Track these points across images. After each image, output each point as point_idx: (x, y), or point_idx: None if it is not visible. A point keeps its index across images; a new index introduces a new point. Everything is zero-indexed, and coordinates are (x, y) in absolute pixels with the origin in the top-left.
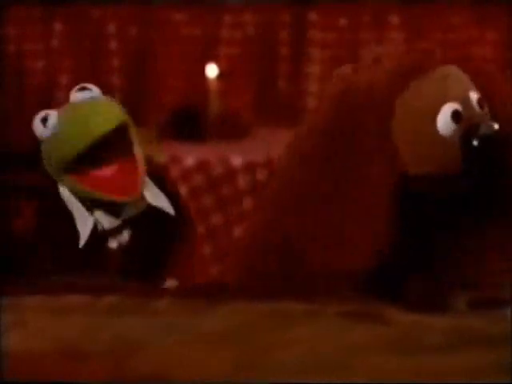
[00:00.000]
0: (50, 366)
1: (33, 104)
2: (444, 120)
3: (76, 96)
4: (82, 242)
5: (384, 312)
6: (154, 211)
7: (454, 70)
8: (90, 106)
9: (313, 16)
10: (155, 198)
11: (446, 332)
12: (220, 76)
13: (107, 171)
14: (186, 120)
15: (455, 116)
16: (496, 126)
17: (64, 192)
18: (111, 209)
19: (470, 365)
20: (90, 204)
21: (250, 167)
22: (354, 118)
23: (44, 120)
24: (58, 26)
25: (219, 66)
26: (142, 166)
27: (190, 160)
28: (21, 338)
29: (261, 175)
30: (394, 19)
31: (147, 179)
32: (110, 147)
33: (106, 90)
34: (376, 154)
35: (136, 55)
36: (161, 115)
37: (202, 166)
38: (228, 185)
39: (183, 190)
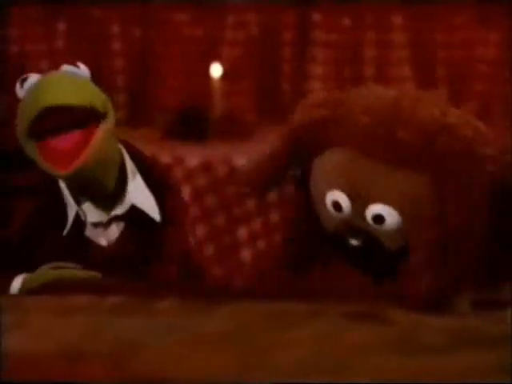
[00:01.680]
0: (52, 367)
1: None
2: (329, 203)
3: (62, 68)
4: (65, 231)
5: (385, 312)
6: (138, 214)
7: (393, 177)
8: (56, 78)
9: (316, 16)
10: (142, 199)
11: (446, 332)
12: (223, 76)
13: (62, 142)
14: (190, 120)
15: (335, 205)
16: (355, 242)
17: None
18: (98, 202)
19: (471, 365)
20: (77, 194)
21: None
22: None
23: (23, 81)
24: (60, 27)
25: (222, 66)
26: (96, 143)
27: (193, 160)
28: (23, 338)
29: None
30: (397, 20)
31: (138, 180)
32: (74, 119)
33: (110, 90)
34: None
35: (139, 56)
36: (164, 115)
37: (205, 167)
38: (231, 185)
39: (186, 190)
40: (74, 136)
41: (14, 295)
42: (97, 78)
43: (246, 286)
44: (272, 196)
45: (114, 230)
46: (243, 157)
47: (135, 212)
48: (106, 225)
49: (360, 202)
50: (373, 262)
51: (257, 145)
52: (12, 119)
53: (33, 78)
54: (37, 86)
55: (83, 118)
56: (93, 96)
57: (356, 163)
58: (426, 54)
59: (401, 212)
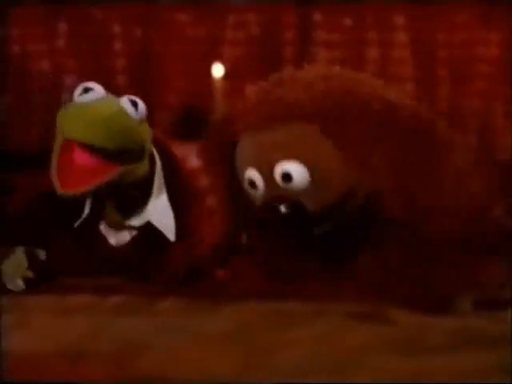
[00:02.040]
0: (53, 367)
1: (38, 104)
2: (246, 185)
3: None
4: (78, 222)
5: (387, 313)
6: (152, 231)
7: (287, 133)
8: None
9: (317, 16)
10: (161, 218)
11: (449, 333)
12: (225, 76)
13: (83, 159)
14: (191, 120)
15: (251, 184)
16: (283, 209)
17: None
18: (122, 206)
19: (472, 365)
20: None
21: None
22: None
23: (87, 90)
24: (62, 27)
25: (223, 66)
26: (111, 177)
27: (195, 160)
28: (24, 338)
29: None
30: (399, 19)
31: (163, 197)
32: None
33: (111, 90)
34: None
35: (140, 55)
36: (165, 115)
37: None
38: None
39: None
40: (95, 160)
41: (16, 295)
42: (98, 77)
43: (247, 286)
44: None
45: (126, 235)
46: None
47: (150, 228)
48: (119, 228)
49: (266, 170)
50: (303, 229)
51: None
52: (13, 119)
53: (98, 91)
54: (87, 111)
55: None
56: (127, 141)
57: (254, 138)
58: (427, 53)
59: (303, 162)
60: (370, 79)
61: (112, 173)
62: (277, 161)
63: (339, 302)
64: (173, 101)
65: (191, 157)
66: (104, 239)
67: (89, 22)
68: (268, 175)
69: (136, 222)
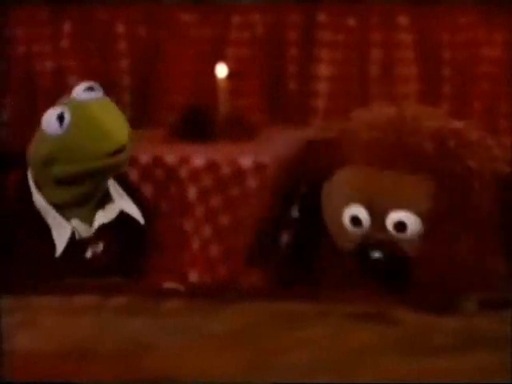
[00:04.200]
0: (58, 367)
1: (42, 105)
2: (346, 219)
3: (84, 95)
4: (59, 251)
5: (393, 313)
6: (125, 220)
7: (409, 182)
8: (109, 118)
9: (322, 16)
10: (127, 205)
11: (454, 333)
12: (229, 76)
13: None
14: (195, 120)
15: (354, 220)
16: (376, 255)
17: (40, 202)
18: (86, 216)
19: (477, 365)
20: (67, 212)
21: (258, 168)
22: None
23: (61, 118)
24: (66, 27)
25: (228, 66)
26: None
27: (198, 160)
28: (29, 338)
29: (270, 176)
30: (403, 20)
31: (116, 186)
32: None
33: (116, 90)
34: None
35: (145, 56)
36: (170, 116)
37: (211, 167)
38: (237, 185)
39: (192, 190)
40: None
41: (21, 295)
42: (103, 78)
43: (251, 286)
44: None
45: (100, 242)
46: (249, 157)
47: (123, 218)
48: (94, 237)
49: (379, 212)
50: (394, 273)
51: (262, 145)
52: (15, 120)
53: (67, 113)
54: (96, 131)
55: None
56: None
57: (370, 176)
58: (431, 54)
59: (421, 217)
60: (472, 128)
61: None
62: (393, 207)
63: (343, 303)
64: (177, 101)
65: (195, 156)
66: (81, 258)
67: (93, 23)
68: (379, 218)
69: (104, 217)
